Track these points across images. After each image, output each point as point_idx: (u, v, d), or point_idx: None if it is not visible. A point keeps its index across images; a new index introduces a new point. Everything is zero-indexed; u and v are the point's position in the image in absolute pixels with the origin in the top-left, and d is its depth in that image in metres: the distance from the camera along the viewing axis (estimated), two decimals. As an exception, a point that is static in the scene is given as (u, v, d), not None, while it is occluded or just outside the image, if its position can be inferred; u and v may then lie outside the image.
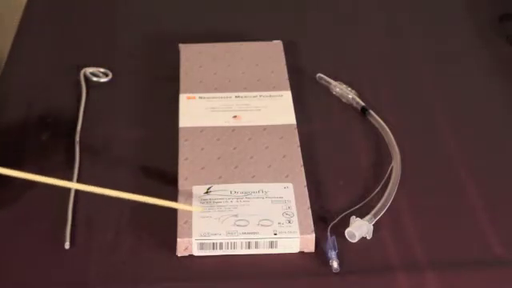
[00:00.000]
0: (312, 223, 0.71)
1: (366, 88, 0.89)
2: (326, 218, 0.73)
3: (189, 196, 0.74)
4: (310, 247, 0.70)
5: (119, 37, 1.01)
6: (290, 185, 0.75)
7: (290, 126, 0.82)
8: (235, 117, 0.83)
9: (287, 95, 0.86)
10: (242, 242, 0.70)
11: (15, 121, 0.87)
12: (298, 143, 0.80)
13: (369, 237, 0.71)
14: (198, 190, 0.75)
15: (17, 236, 0.73)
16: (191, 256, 0.70)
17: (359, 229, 0.71)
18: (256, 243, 0.70)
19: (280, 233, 0.70)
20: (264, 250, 0.70)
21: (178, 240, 0.70)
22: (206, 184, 0.75)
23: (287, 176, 0.76)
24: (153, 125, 0.86)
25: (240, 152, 0.79)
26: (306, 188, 0.75)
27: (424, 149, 0.82)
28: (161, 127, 0.85)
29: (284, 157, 0.78)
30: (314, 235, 0.70)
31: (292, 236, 0.70)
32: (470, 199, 0.76)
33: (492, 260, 0.70)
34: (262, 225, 0.71)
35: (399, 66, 0.94)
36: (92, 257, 0.71)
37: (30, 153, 0.82)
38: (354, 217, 0.72)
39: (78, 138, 0.83)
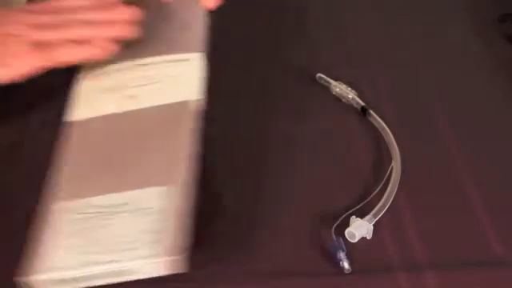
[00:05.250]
0: (185, 239, 0.60)
1: (366, 88, 0.89)
2: (327, 218, 0.73)
3: (54, 216, 0.62)
4: (180, 268, 0.60)
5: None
6: (165, 189, 0.62)
7: (190, 103, 0.69)
8: (131, 97, 0.71)
9: (196, 60, 0.73)
10: (96, 274, 0.59)
11: (15, 121, 0.87)
12: (194, 127, 0.67)
13: (369, 237, 0.71)
14: (66, 206, 0.62)
15: (17, 236, 0.73)
16: (191, 255, 0.70)
17: (359, 229, 0.71)
18: (113, 272, 0.59)
19: (138, 258, 0.59)
20: (124, 277, 0.60)
21: (21, 279, 0.59)
22: (74, 198, 0.63)
23: (168, 175, 0.63)
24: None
25: (125, 149, 0.67)
26: (191, 189, 0.63)
27: (424, 149, 0.82)
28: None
29: (173, 150, 0.65)
30: (181, 255, 0.59)
31: (152, 261, 0.59)
32: (470, 199, 0.76)
33: (492, 260, 0.70)
34: (120, 250, 0.59)
35: (399, 65, 0.94)
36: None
37: (30, 152, 0.82)
38: (354, 217, 0.72)
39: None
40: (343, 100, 0.88)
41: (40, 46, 0.72)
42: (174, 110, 0.68)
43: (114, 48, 0.73)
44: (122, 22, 0.75)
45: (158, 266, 0.59)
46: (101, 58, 0.74)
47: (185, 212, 0.61)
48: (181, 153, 0.65)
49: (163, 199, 0.61)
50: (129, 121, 0.69)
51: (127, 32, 0.74)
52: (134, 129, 0.68)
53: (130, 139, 0.68)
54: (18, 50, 0.71)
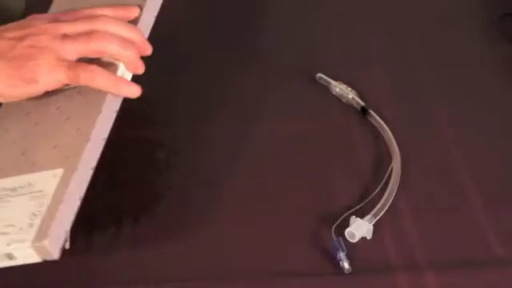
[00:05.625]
0: (64, 225, 0.59)
1: (366, 88, 0.89)
2: (327, 218, 0.73)
3: None
4: (50, 255, 0.59)
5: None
6: (61, 171, 0.61)
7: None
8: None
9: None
10: None
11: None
12: (101, 110, 0.66)
13: (369, 237, 0.71)
14: None
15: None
16: (191, 255, 0.70)
17: (359, 229, 0.71)
18: None
19: (13, 242, 0.58)
20: (4, 262, 0.60)
21: None
22: None
23: (67, 158, 0.62)
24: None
25: (38, 130, 0.68)
26: (87, 174, 0.62)
27: (424, 149, 0.82)
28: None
29: (76, 131, 0.65)
30: (47, 241, 0.58)
31: (23, 246, 0.58)
32: (470, 199, 0.76)
33: (492, 260, 0.70)
34: (2, 233, 0.60)
35: (399, 65, 0.94)
36: (92, 257, 0.71)
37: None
38: (354, 217, 0.72)
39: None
40: (343, 100, 0.88)
41: (68, 62, 0.69)
42: (96, 92, 0.68)
43: (136, 91, 0.71)
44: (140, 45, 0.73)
45: (29, 251, 0.59)
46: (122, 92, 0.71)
47: (73, 197, 0.61)
48: (86, 136, 0.64)
49: (55, 183, 0.61)
50: (51, 100, 0.69)
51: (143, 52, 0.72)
52: (52, 108, 0.69)
53: (45, 121, 0.68)
54: (46, 65, 0.68)
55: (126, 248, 0.71)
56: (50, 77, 0.69)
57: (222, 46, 0.97)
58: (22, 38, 0.70)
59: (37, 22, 0.72)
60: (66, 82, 0.69)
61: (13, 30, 0.71)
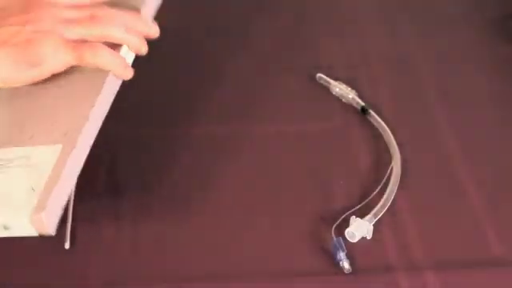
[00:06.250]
0: (60, 199, 0.61)
1: (366, 88, 0.89)
2: (327, 218, 0.73)
3: None
4: (46, 229, 0.60)
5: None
6: (59, 147, 0.63)
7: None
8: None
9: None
10: None
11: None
12: (101, 89, 0.67)
13: (369, 237, 0.71)
14: None
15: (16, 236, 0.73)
16: (191, 255, 0.70)
17: (359, 229, 0.71)
18: None
19: (10, 214, 0.60)
20: (0, 233, 0.61)
21: None
22: None
23: (66, 134, 0.64)
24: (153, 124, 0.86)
25: (38, 107, 0.68)
26: (84, 150, 0.63)
27: (424, 149, 0.82)
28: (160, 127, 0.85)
29: (76, 109, 0.66)
30: (44, 214, 0.59)
31: (20, 218, 0.59)
32: (470, 199, 0.76)
33: (492, 260, 0.70)
34: None
35: (399, 65, 0.94)
36: (92, 257, 0.71)
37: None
38: (354, 217, 0.72)
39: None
40: (343, 100, 0.88)
41: (72, 42, 0.69)
42: (96, 72, 0.70)
43: (130, 74, 0.72)
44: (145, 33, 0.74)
45: (23, 223, 0.59)
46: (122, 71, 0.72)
47: (70, 174, 0.62)
48: (85, 115, 0.65)
49: (53, 159, 0.62)
50: (51, 81, 0.70)
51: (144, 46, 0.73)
52: (53, 89, 0.70)
53: (45, 98, 0.69)
54: (50, 47, 0.69)
55: (126, 248, 0.71)
56: (55, 58, 0.69)
57: (221, 46, 0.96)
58: (25, 24, 0.70)
59: (39, 5, 0.72)
60: (72, 62, 0.70)
61: (15, 15, 0.71)
